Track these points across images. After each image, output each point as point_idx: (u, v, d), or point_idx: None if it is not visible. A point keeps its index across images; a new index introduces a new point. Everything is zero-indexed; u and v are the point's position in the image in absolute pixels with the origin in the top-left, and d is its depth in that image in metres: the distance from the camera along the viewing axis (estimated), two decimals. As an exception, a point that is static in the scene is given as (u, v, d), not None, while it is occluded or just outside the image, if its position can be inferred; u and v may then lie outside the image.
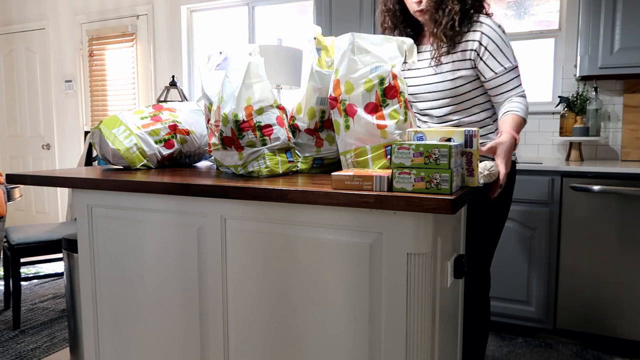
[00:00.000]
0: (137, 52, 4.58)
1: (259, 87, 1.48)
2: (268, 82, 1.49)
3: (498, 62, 1.64)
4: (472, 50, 1.65)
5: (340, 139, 1.45)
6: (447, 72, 1.70)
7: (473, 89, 1.72)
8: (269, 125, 1.47)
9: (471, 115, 1.76)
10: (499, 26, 1.66)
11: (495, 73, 1.64)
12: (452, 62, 1.68)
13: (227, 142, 1.48)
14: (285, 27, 4.05)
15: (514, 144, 1.51)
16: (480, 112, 1.76)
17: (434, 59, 1.70)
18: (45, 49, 5.06)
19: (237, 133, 1.46)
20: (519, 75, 1.66)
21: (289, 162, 1.53)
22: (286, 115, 1.58)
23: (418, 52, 1.78)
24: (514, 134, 1.53)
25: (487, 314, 1.91)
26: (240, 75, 1.46)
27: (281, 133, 1.49)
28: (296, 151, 1.58)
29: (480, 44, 1.64)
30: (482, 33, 1.64)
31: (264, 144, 1.47)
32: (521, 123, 1.59)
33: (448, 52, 1.68)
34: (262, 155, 1.47)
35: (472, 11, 1.67)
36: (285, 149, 1.53)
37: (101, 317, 1.65)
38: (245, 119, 1.45)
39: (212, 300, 1.43)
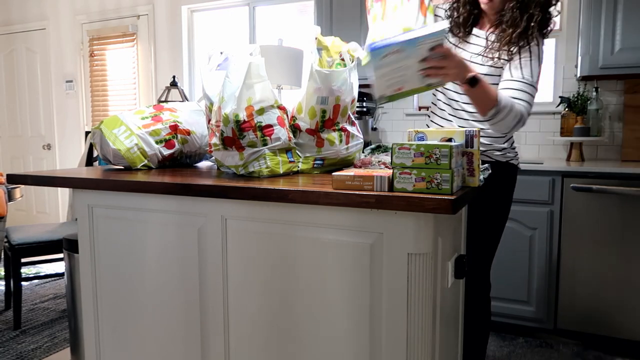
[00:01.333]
0: (138, 52, 4.58)
1: (260, 87, 1.48)
2: (269, 82, 1.49)
3: (530, 72, 1.60)
4: (523, 51, 1.61)
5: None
6: (496, 68, 1.66)
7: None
8: (270, 126, 1.47)
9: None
10: (543, 51, 1.65)
11: (522, 76, 1.59)
12: (502, 60, 1.64)
13: (228, 142, 1.48)
14: (285, 27, 4.05)
15: (464, 74, 1.45)
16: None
17: (489, 51, 1.66)
18: (45, 49, 5.07)
19: (237, 133, 1.46)
20: (533, 96, 1.60)
21: (290, 162, 1.53)
22: (287, 116, 1.58)
23: (472, 34, 1.74)
24: (474, 72, 1.47)
25: (488, 315, 1.91)
26: (241, 76, 1.46)
27: (282, 133, 1.49)
28: (297, 151, 1.58)
29: (531, 52, 1.61)
30: (536, 43, 1.62)
31: (265, 144, 1.47)
32: (490, 96, 1.49)
33: (502, 50, 1.63)
34: (263, 155, 1.47)
35: (541, 26, 1.63)
36: (286, 149, 1.53)
37: (102, 317, 1.65)
38: (246, 119, 1.45)
39: (213, 300, 1.43)
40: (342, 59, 1.59)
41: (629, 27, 2.61)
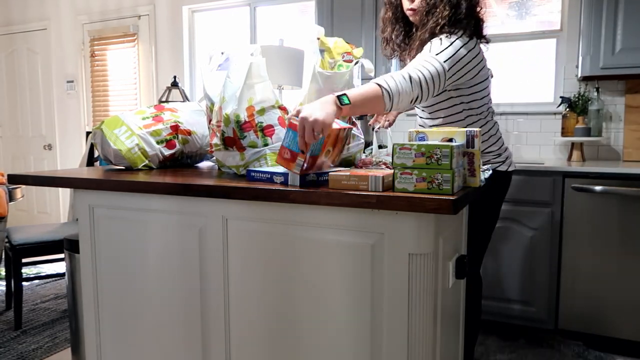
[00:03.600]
0: (139, 52, 4.58)
1: (261, 87, 1.48)
2: (269, 82, 1.49)
3: (429, 49, 1.57)
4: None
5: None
6: None
7: (441, 95, 1.70)
8: (271, 126, 1.47)
9: (438, 118, 1.78)
10: (465, 45, 1.59)
11: (421, 54, 1.57)
12: None
13: (229, 143, 1.48)
14: (286, 27, 4.05)
15: (327, 109, 1.25)
16: (447, 116, 1.75)
17: (411, 59, 1.68)
18: (46, 50, 5.07)
19: (238, 133, 1.46)
20: (429, 62, 1.51)
21: None
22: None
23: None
24: (332, 95, 1.32)
25: (478, 315, 1.94)
26: (242, 76, 1.46)
27: (283, 133, 1.49)
28: None
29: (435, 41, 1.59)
30: (446, 37, 1.59)
31: (266, 144, 1.47)
32: (371, 92, 1.37)
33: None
34: (264, 155, 1.47)
35: (456, 24, 1.61)
36: None
37: (102, 318, 1.65)
38: (247, 120, 1.45)
39: (214, 300, 1.43)
40: (345, 60, 1.59)
41: (630, 28, 2.61)
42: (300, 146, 1.21)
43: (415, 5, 1.67)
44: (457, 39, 1.58)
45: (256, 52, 1.52)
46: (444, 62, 1.53)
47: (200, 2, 4.27)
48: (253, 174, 1.38)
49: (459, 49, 1.57)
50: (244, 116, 1.44)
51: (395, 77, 1.43)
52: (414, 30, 1.78)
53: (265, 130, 1.46)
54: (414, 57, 1.64)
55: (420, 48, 1.63)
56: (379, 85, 1.40)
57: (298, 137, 1.21)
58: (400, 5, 1.76)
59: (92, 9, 4.77)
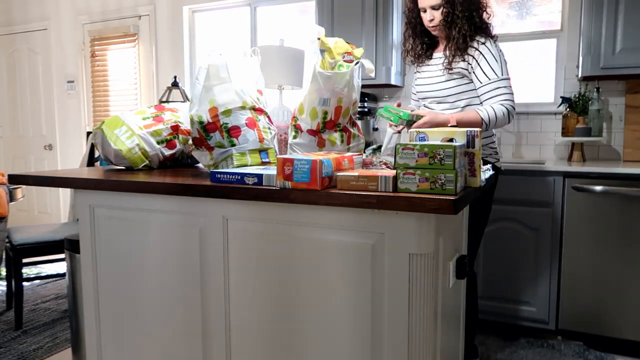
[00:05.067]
0: (139, 52, 4.58)
1: (220, 89, 1.49)
2: (231, 84, 1.50)
3: (492, 70, 1.88)
4: (472, 57, 1.92)
5: None
6: (456, 78, 1.96)
7: (469, 91, 1.99)
8: (237, 127, 1.49)
9: (446, 103, 2.02)
10: (496, 46, 1.93)
11: (488, 78, 1.89)
12: (460, 68, 1.95)
13: (197, 143, 1.52)
14: (287, 27, 4.05)
15: (443, 122, 1.78)
16: (455, 101, 2.02)
17: (446, 66, 1.96)
18: (47, 50, 5.07)
19: (204, 134, 1.49)
20: (507, 87, 1.89)
21: (264, 162, 1.53)
22: (267, 117, 1.58)
23: (432, 58, 2.09)
24: (450, 116, 1.80)
25: (475, 312, 2.04)
26: (202, 78, 1.49)
27: (250, 134, 1.50)
28: (275, 152, 1.58)
29: (481, 53, 1.90)
30: (481, 45, 1.91)
31: (232, 145, 1.49)
32: (474, 119, 1.83)
33: (457, 61, 1.95)
34: (230, 155, 1.49)
35: (478, 31, 1.93)
36: (260, 150, 1.53)
37: (103, 318, 1.65)
38: (211, 121, 1.47)
39: (214, 300, 1.43)
40: (345, 61, 1.59)
41: (630, 28, 2.61)
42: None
43: (435, 23, 1.96)
44: (499, 50, 1.92)
45: (229, 53, 1.55)
46: (506, 75, 1.91)
47: (200, 2, 4.27)
48: (218, 175, 1.34)
49: (503, 56, 1.93)
50: (206, 117, 1.48)
51: (496, 110, 1.84)
52: (435, 40, 2.10)
53: (231, 131, 1.48)
54: (450, 59, 1.96)
55: (461, 52, 1.93)
56: (481, 118, 1.83)
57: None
58: (420, 22, 2.05)
59: (92, 9, 4.77)
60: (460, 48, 1.92)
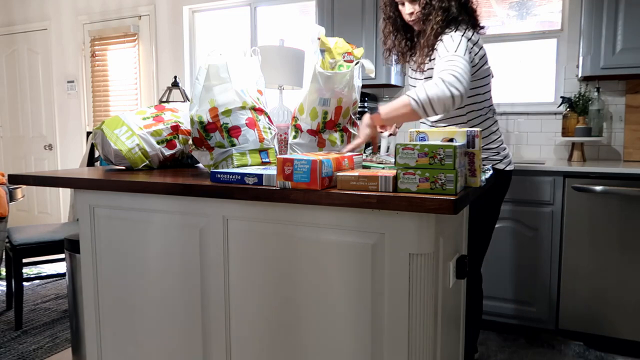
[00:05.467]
0: (139, 52, 4.58)
1: (220, 89, 1.49)
2: (231, 84, 1.50)
3: (445, 50, 1.64)
4: (437, 53, 1.71)
5: None
6: (429, 77, 1.80)
7: None
8: (237, 127, 1.49)
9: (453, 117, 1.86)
10: (465, 34, 1.68)
11: (439, 56, 1.66)
12: (431, 68, 1.78)
13: (198, 143, 1.52)
14: (287, 27, 4.05)
15: (369, 125, 1.61)
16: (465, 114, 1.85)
17: (419, 65, 1.81)
18: (47, 50, 5.07)
19: (204, 134, 1.49)
20: (451, 60, 1.59)
21: (264, 162, 1.53)
22: (267, 117, 1.59)
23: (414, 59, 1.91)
24: (376, 114, 1.61)
25: (479, 314, 1.99)
26: (202, 78, 1.49)
27: (250, 134, 1.50)
28: (275, 152, 1.58)
29: (442, 42, 1.68)
30: (446, 35, 1.69)
31: (233, 145, 1.49)
32: (402, 103, 1.56)
33: (426, 62, 1.78)
34: (230, 155, 1.49)
35: (451, 23, 1.72)
36: (260, 150, 1.53)
37: (103, 318, 1.65)
38: (211, 120, 1.47)
39: (214, 300, 1.43)
40: (346, 61, 1.59)
41: (630, 28, 2.61)
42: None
43: (414, 17, 1.79)
44: (462, 35, 1.68)
45: (227, 53, 1.55)
46: (464, 55, 1.61)
47: (200, 2, 4.27)
48: (219, 175, 1.34)
49: (467, 42, 1.67)
50: (206, 117, 1.48)
51: (426, 86, 1.54)
52: (415, 35, 1.91)
53: (231, 131, 1.48)
54: (423, 57, 1.78)
55: (429, 49, 1.75)
56: (408, 96, 1.55)
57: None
58: (400, 16, 1.88)
59: (92, 9, 4.77)
60: (429, 45, 1.75)
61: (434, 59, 1.74)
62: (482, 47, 1.79)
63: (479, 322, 2.04)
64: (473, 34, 1.73)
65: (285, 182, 1.22)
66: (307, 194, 1.18)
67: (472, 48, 1.72)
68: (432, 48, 1.74)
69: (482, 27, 1.83)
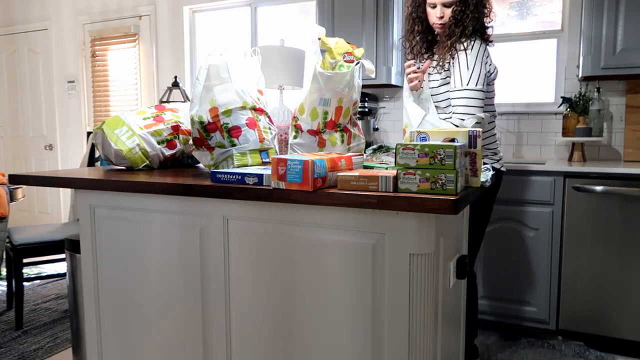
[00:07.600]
0: (140, 52, 4.58)
1: (221, 89, 1.49)
2: (232, 84, 1.50)
3: (460, 78, 1.83)
4: (452, 63, 1.88)
5: None
6: (446, 83, 1.91)
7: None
8: (237, 127, 1.49)
9: (445, 113, 1.97)
10: (479, 50, 1.85)
11: (454, 86, 1.85)
12: (445, 71, 1.91)
13: (198, 143, 1.52)
14: (287, 27, 4.05)
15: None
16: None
17: (441, 66, 1.91)
18: (47, 50, 5.07)
19: (204, 134, 1.49)
20: (465, 97, 1.82)
21: (265, 162, 1.53)
22: (268, 117, 1.59)
23: (433, 59, 2.02)
24: None
25: (475, 312, 2.05)
26: (202, 78, 1.49)
27: (250, 134, 1.50)
28: (276, 151, 1.58)
29: (458, 58, 1.85)
30: (460, 51, 1.85)
31: (233, 145, 1.49)
32: None
33: (444, 64, 1.90)
34: (231, 156, 1.49)
35: (473, 34, 1.86)
36: (261, 150, 1.53)
37: (104, 318, 1.65)
38: (211, 121, 1.48)
39: (215, 300, 1.43)
40: (346, 61, 1.59)
41: (631, 28, 2.61)
42: None
43: (444, 20, 1.89)
44: (477, 52, 1.83)
45: (227, 53, 1.55)
46: (475, 86, 1.82)
47: (201, 2, 4.27)
48: (219, 175, 1.34)
49: (481, 66, 1.84)
50: (207, 117, 1.48)
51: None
52: (436, 37, 2.03)
53: (232, 132, 1.49)
54: (440, 59, 1.91)
55: (446, 54, 1.88)
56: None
57: None
58: (425, 18, 1.99)
59: (93, 9, 4.77)
60: (455, 48, 1.87)
61: (448, 62, 1.89)
62: (489, 55, 1.91)
63: (476, 320, 2.09)
64: (485, 50, 1.88)
65: (279, 182, 1.22)
66: (307, 194, 1.18)
67: (481, 67, 1.85)
68: (449, 53, 1.86)
69: (492, 41, 1.96)
